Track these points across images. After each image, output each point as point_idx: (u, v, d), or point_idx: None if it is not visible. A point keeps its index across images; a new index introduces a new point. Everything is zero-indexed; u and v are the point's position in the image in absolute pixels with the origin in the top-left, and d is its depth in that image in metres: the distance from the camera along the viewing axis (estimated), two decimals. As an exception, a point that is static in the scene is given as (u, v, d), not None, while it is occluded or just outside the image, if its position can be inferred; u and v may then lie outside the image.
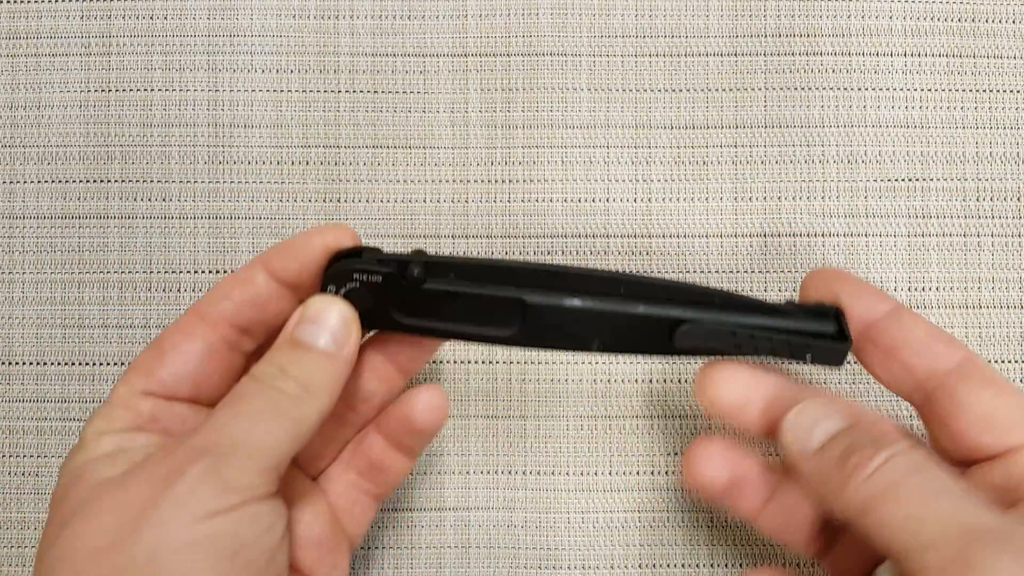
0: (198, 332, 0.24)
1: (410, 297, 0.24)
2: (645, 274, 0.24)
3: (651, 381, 0.31)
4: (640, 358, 0.25)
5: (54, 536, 0.21)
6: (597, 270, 0.24)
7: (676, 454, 0.31)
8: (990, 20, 0.32)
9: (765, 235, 0.31)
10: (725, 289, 0.24)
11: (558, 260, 0.31)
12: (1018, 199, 0.31)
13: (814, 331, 0.24)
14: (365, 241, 0.31)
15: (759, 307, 0.24)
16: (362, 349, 0.25)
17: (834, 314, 0.24)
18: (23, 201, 0.32)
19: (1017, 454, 0.22)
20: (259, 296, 0.24)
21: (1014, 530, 0.19)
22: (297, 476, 0.26)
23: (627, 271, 0.24)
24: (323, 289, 0.24)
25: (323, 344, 0.23)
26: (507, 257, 0.24)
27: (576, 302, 0.23)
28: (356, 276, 0.24)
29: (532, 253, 0.31)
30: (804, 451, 0.23)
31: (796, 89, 0.31)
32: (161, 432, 0.23)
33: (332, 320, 0.23)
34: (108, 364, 0.31)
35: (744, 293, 0.25)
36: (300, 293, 0.24)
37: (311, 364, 0.23)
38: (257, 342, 0.25)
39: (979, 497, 0.20)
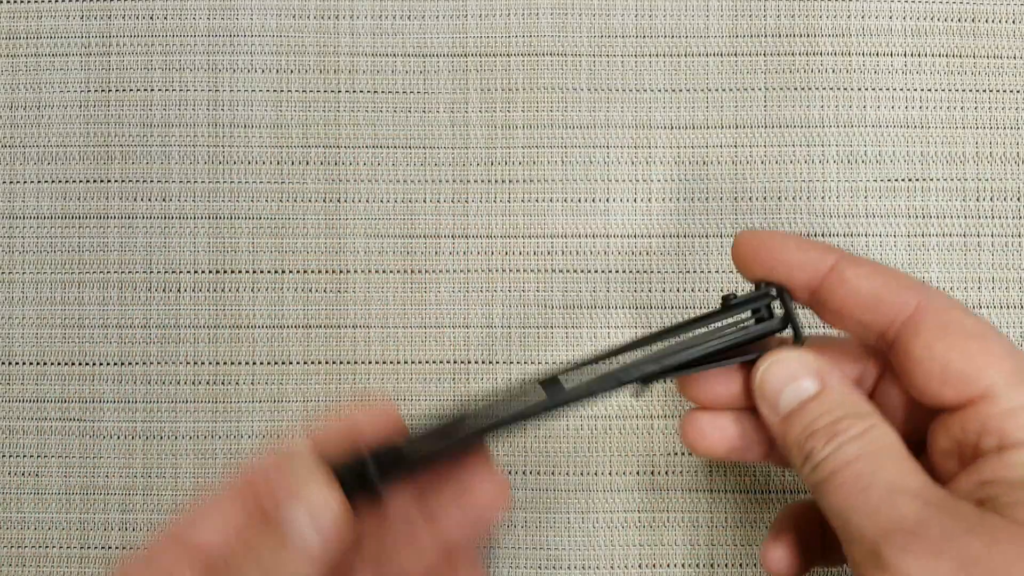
0: None
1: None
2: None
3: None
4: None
5: None
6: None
7: (676, 454, 0.31)
8: (990, 20, 0.32)
9: (765, 235, 0.31)
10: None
11: (558, 260, 0.31)
12: (1018, 199, 0.31)
13: (757, 335, 0.23)
14: (365, 242, 0.31)
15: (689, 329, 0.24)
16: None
17: (771, 299, 0.23)
18: (23, 201, 0.32)
19: (975, 406, 0.21)
20: None
21: (927, 523, 0.19)
22: None
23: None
24: None
25: (304, 539, 0.20)
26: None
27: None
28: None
29: (532, 253, 0.31)
30: (772, 417, 0.23)
31: (796, 89, 0.31)
32: None
33: (321, 513, 0.20)
34: (108, 364, 0.31)
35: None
36: None
37: (281, 557, 0.20)
38: None
39: (915, 482, 0.20)
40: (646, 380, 0.23)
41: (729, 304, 0.24)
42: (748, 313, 0.24)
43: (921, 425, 0.23)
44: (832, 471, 0.20)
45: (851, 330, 0.23)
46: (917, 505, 0.19)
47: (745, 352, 0.24)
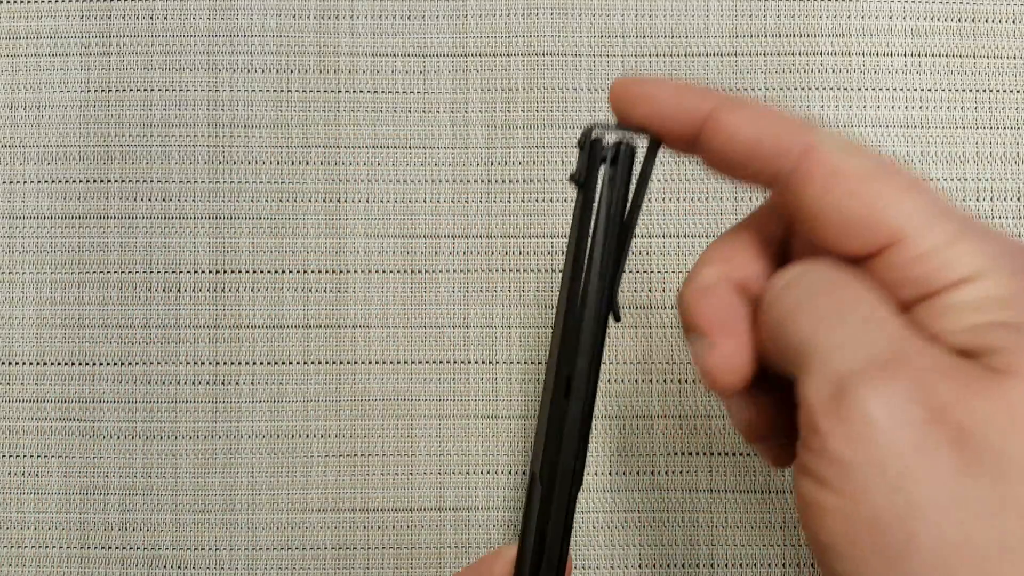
0: None
1: None
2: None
3: (651, 381, 0.31)
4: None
5: None
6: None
7: (676, 454, 0.31)
8: (990, 20, 0.32)
9: (765, 235, 0.31)
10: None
11: (558, 260, 0.31)
12: (1018, 199, 0.31)
13: (626, 178, 0.21)
14: (365, 242, 0.31)
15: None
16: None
17: (595, 139, 0.21)
18: (23, 201, 0.32)
19: (888, 254, 0.18)
20: None
21: (905, 358, 0.16)
22: None
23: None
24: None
25: None
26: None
27: None
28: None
29: (532, 253, 0.31)
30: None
31: (796, 89, 0.31)
32: None
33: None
34: (108, 364, 0.31)
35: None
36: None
37: None
38: None
39: (891, 313, 0.17)
40: (611, 300, 0.21)
41: (578, 181, 0.22)
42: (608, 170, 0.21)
43: None
44: (792, 305, 0.18)
45: (739, 179, 0.20)
46: (895, 337, 0.16)
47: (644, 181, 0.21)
